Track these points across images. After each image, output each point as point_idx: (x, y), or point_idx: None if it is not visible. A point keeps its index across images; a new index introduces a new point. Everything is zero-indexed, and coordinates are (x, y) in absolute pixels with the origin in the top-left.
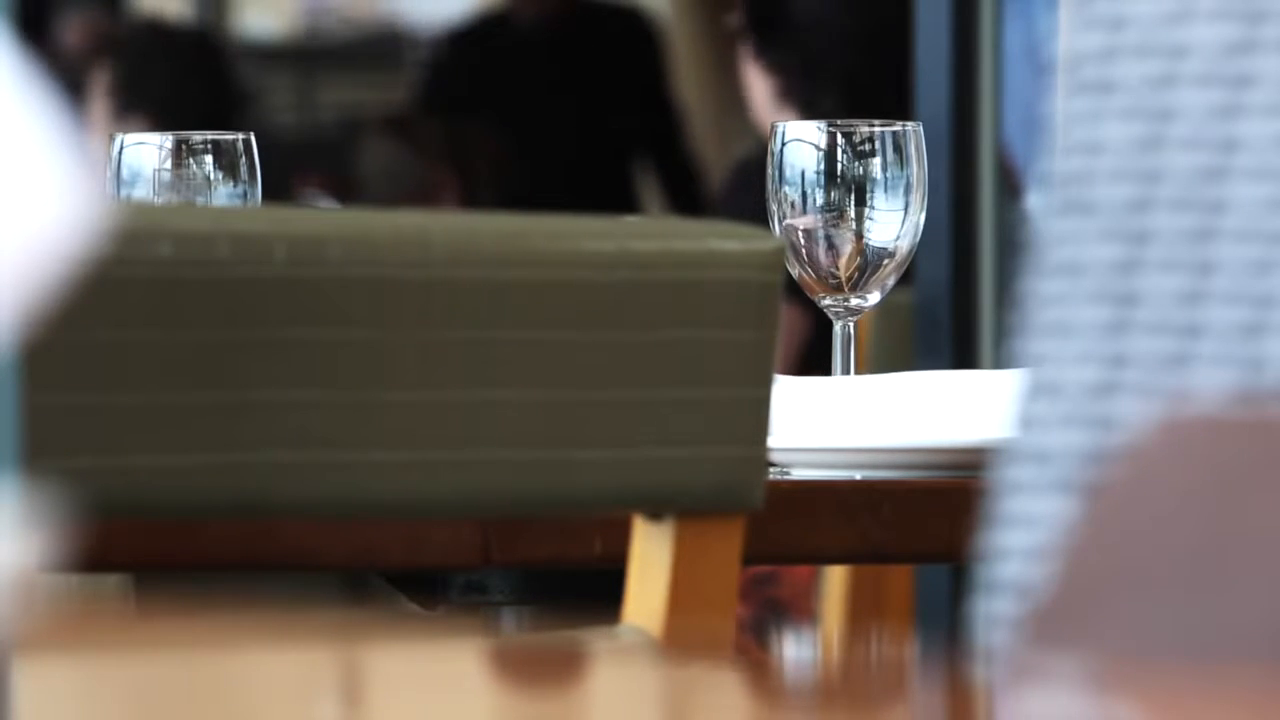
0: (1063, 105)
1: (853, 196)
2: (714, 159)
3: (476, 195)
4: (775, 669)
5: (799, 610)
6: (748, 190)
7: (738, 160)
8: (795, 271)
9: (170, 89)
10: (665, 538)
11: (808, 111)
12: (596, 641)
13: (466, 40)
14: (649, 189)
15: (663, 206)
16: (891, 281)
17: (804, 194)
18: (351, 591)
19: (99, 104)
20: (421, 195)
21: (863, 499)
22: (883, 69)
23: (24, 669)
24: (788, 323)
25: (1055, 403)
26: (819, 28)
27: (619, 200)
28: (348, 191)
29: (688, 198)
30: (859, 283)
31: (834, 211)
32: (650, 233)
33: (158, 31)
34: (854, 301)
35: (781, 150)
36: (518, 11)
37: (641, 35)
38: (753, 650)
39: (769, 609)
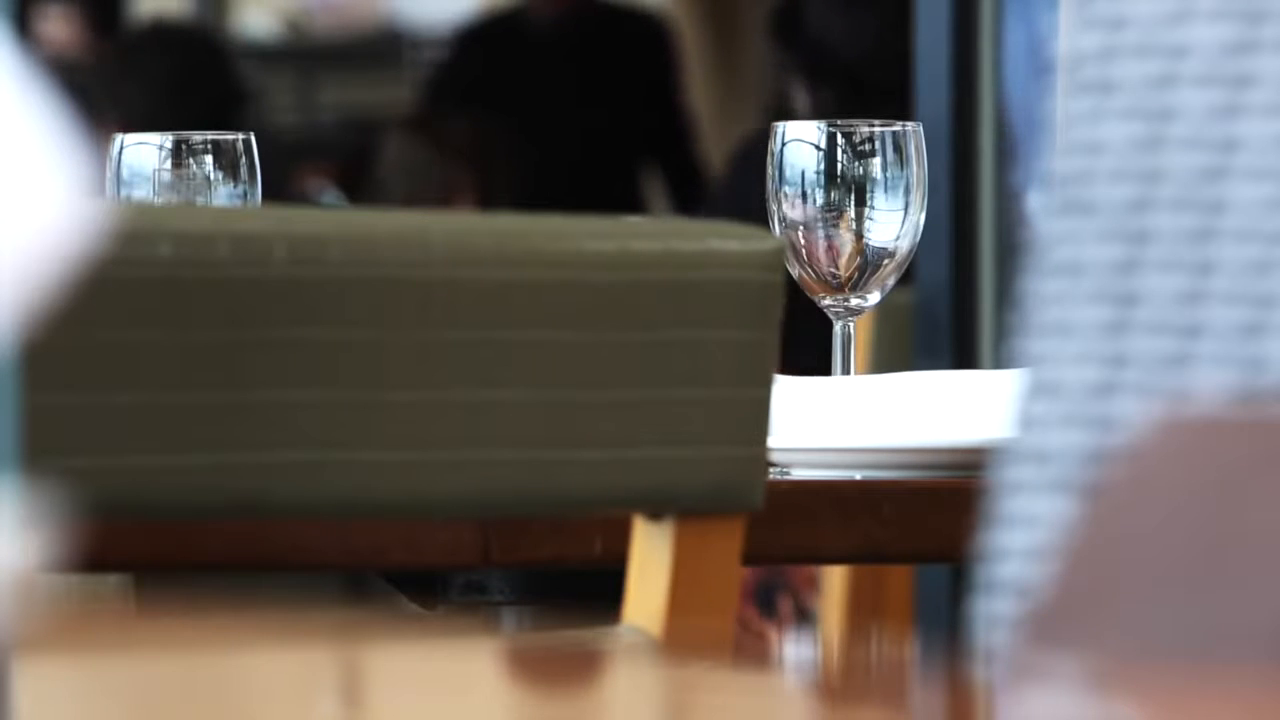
0: (1063, 105)
1: (853, 196)
2: (719, 161)
3: (494, 196)
4: (774, 668)
5: (801, 579)
6: (751, 175)
7: (739, 145)
8: (795, 271)
9: (170, 89)
10: (665, 538)
11: None
12: (596, 641)
13: (481, 39)
14: (655, 189)
15: (668, 207)
16: (891, 281)
17: (804, 194)
18: (351, 591)
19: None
20: (439, 196)
21: (863, 499)
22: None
23: (24, 669)
24: None
25: (1055, 403)
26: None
27: (626, 200)
28: (364, 191)
29: (694, 200)
30: (859, 283)
31: (834, 211)
32: (650, 233)
33: (157, 31)
34: (854, 301)
35: (781, 150)
36: (533, 11)
37: (655, 38)
38: (754, 621)
39: (772, 577)
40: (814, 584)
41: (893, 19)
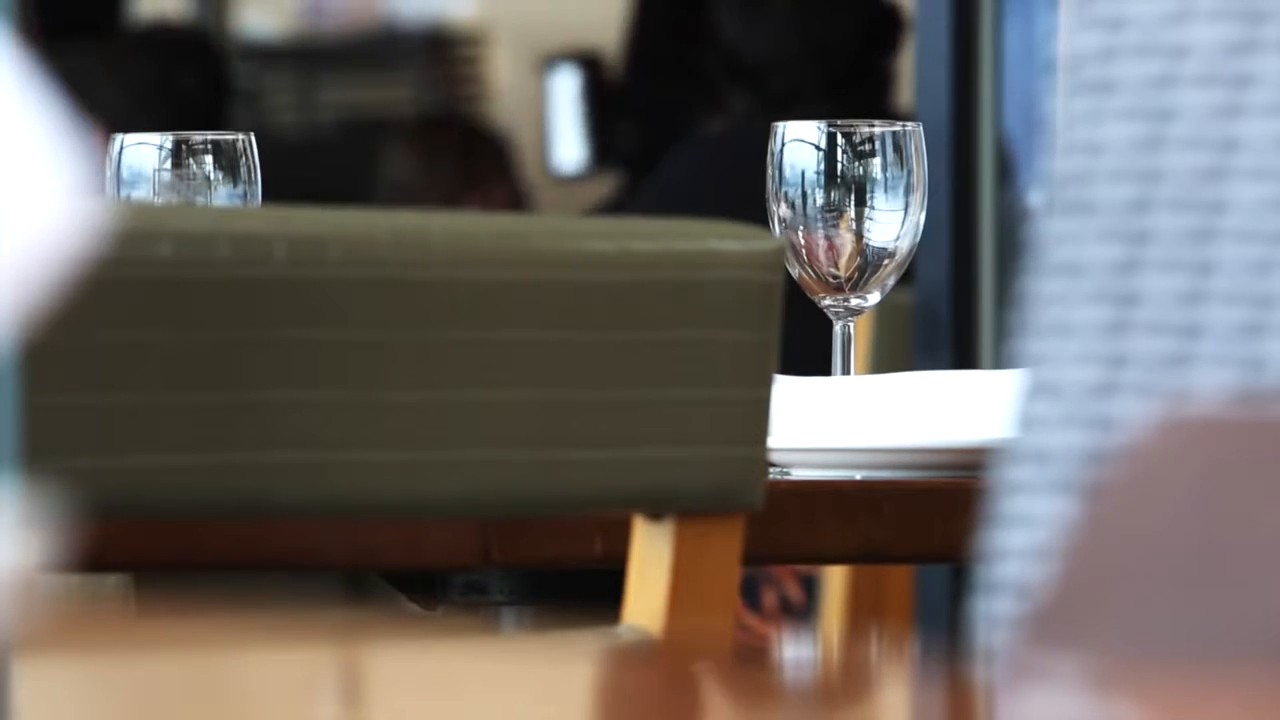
0: (1063, 105)
1: (853, 196)
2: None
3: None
4: (774, 668)
5: (785, 571)
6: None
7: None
8: (795, 271)
9: (159, 88)
10: (665, 538)
11: None
12: (596, 641)
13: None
14: None
15: None
16: (891, 281)
17: (804, 194)
18: (351, 591)
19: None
20: (472, 197)
21: (863, 499)
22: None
23: (24, 669)
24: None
25: (1055, 403)
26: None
27: None
28: (387, 189)
29: None
30: (859, 283)
31: (834, 211)
32: (650, 233)
33: (149, 31)
34: (854, 301)
35: (781, 150)
36: None
37: None
38: (741, 615)
39: (756, 570)
40: (797, 577)
41: (786, 23)
